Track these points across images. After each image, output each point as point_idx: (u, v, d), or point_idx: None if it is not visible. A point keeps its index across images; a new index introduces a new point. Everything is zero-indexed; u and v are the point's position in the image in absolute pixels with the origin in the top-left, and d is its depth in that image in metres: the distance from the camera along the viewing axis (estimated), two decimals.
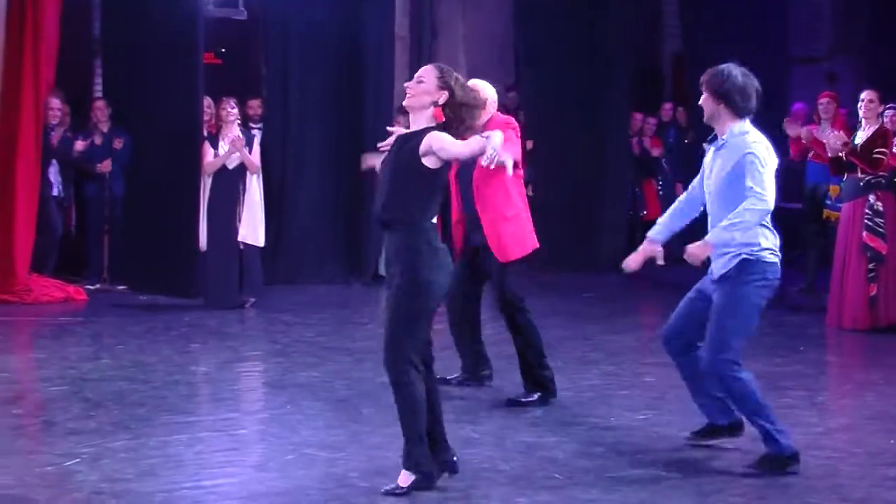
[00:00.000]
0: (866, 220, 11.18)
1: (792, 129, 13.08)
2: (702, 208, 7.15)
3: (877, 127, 11.29)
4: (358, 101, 14.56)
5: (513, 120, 8.70)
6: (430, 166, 6.01)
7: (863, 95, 11.54)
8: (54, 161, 13.56)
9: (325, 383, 8.82)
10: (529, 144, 15.52)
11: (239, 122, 12.54)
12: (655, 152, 16.49)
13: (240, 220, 12.33)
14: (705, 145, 7.10)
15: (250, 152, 12.33)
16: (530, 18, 16.02)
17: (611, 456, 6.96)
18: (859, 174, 11.23)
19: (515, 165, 7.47)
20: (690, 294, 7.11)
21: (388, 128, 6.72)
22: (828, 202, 13.12)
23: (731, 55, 15.85)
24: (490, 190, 8.24)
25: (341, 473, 6.55)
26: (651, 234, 7.25)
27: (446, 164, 6.13)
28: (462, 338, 8.80)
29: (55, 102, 13.56)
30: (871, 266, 11.17)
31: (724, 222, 6.61)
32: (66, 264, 14.12)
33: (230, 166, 12.27)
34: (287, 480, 6.48)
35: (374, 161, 7.08)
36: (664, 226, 7.25)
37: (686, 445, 7.01)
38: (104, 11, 14.83)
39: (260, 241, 12.44)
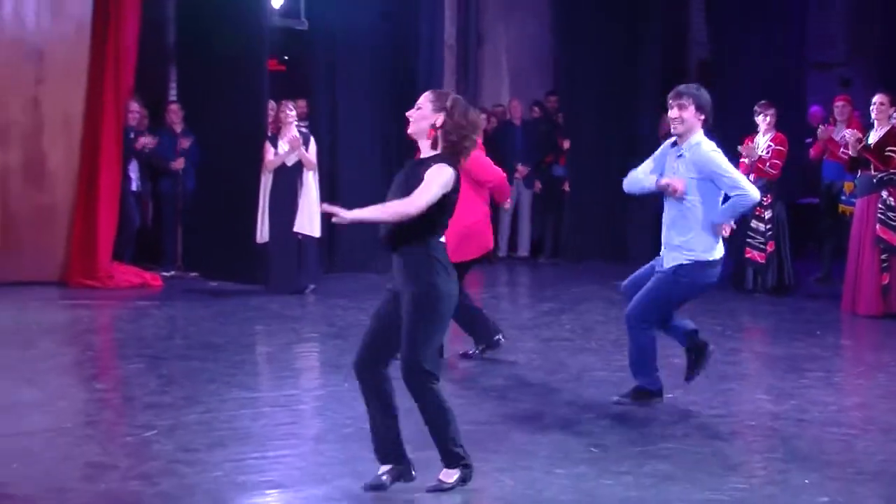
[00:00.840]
0: (879, 215, 11.13)
1: (822, 134, 12.94)
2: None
3: (889, 127, 11.25)
4: (410, 105, 14.52)
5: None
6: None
7: (875, 98, 11.48)
8: (133, 159, 13.65)
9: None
10: (566, 144, 15.54)
11: (297, 122, 12.58)
12: None
13: (301, 213, 12.35)
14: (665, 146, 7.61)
15: (307, 151, 12.36)
16: (568, 27, 15.97)
17: (642, 431, 6.94)
18: (872, 171, 11.18)
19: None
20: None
21: None
22: (843, 197, 13.06)
23: (753, 62, 15.95)
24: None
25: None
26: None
27: (454, 188, 5.81)
28: (460, 318, 8.63)
29: (134, 106, 13.64)
30: (883, 257, 11.13)
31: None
32: (143, 253, 14.20)
33: (289, 164, 12.29)
34: (345, 452, 6.48)
35: None
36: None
37: (711, 422, 6.97)
38: (178, 23, 14.92)
39: (316, 232, 12.44)
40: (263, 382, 8.50)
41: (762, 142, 12.37)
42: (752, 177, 12.46)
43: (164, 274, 13.53)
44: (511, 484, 5.89)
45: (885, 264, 11.11)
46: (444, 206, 5.77)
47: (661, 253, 7.53)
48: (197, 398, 7.63)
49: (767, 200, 12.36)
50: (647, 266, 7.76)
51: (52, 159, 12.99)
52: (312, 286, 12.44)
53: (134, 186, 13.80)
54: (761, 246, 12.46)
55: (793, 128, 13.11)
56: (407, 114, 6.08)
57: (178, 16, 14.92)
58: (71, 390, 8.09)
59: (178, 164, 13.70)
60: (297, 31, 15.64)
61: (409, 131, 6.03)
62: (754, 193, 7.38)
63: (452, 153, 5.84)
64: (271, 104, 12.92)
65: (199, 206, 13.72)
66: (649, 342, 7.45)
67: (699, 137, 7.38)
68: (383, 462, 5.76)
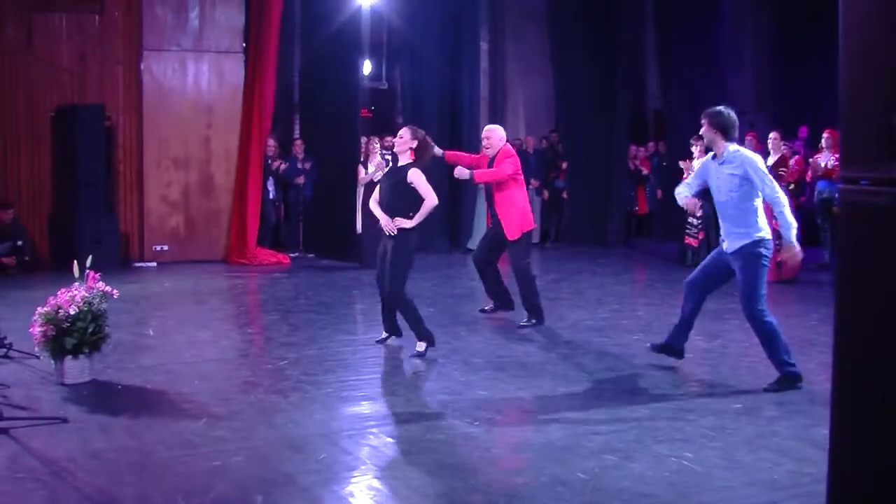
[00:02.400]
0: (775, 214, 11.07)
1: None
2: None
3: (780, 155, 11.29)
4: (457, 139, 14.57)
5: (511, 150, 8.52)
6: (414, 186, 6.89)
7: (770, 135, 11.61)
8: (270, 177, 13.74)
9: (437, 316, 8.82)
10: (564, 165, 15.50)
11: (380, 151, 12.61)
12: (645, 171, 16.29)
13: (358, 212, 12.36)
14: (706, 160, 6.60)
15: None
16: (565, 86, 15.90)
17: (617, 361, 6.94)
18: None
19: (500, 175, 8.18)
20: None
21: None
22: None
23: (691, 109, 15.80)
24: (500, 195, 8.27)
25: (447, 371, 6.60)
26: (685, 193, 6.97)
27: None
28: (489, 282, 8.63)
29: (271, 142, 13.72)
30: (777, 242, 10.66)
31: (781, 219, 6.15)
32: (277, 241, 14.30)
33: (375, 180, 12.32)
34: (414, 375, 6.52)
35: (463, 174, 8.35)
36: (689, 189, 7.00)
37: (659, 356, 6.94)
38: (301, 85, 14.99)
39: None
40: (359, 329, 8.55)
41: (697, 164, 12.30)
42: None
43: (291, 255, 13.57)
44: (527, 398, 5.92)
45: (779, 247, 10.94)
46: (416, 195, 6.90)
47: (723, 244, 6.54)
48: (314, 339, 7.71)
49: (700, 204, 12.29)
50: (707, 260, 6.77)
51: (217, 178, 13.11)
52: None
53: (271, 196, 13.88)
54: (695, 235, 12.44)
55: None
56: (395, 140, 7.08)
57: (300, 80, 14.99)
58: (231, 333, 8.18)
59: (300, 180, 13.76)
60: (380, 89, 15.70)
61: (395, 150, 7.09)
62: (783, 197, 6.26)
63: (421, 162, 6.99)
64: (363, 139, 12.97)
65: (314, 209, 13.76)
66: (770, 328, 6.20)
67: (733, 146, 6.35)
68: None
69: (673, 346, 6.77)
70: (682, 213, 12.95)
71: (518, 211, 8.27)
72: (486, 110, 16.30)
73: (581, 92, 15.76)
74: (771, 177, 6.23)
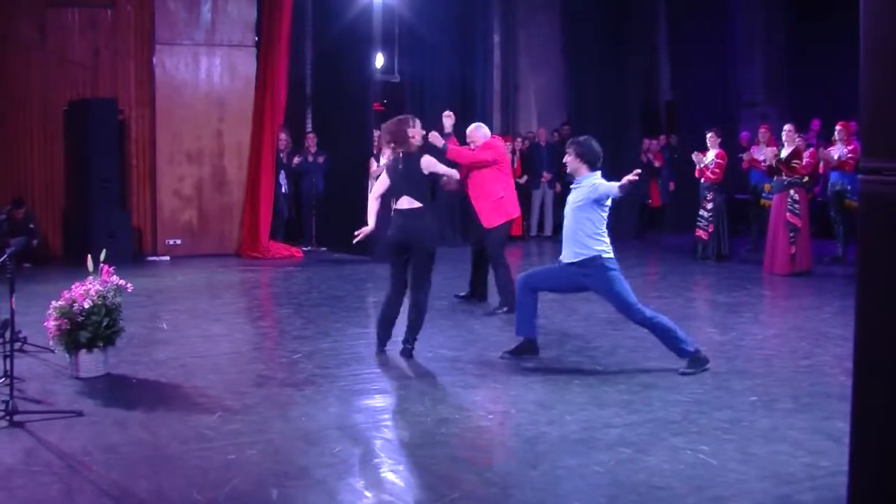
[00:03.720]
0: (788, 206, 11.08)
1: (755, 154, 12.95)
2: None
3: (794, 147, 11.19)
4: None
5: (495, 142, 8.69)
6: (432, 172, 6.82)
7: (785, 127, 11.45)
8: (283, 171, 13.75)
9: (448, 309, 8.83)
10: None
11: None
12: (657, 163, 16.19)
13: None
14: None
15: None
16: (576, 79, 15.86)
17: (631, 356, 6.90)
18: (784, 177, 11.10)
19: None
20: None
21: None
22: (763, 195, 12.92)
23: (704, 101, 15.73)
24: (473, 181, 8.44)
25: (461, 365, 6.58)
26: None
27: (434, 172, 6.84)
28: (474, 269, 8.91)
29: (283, 135, 13.72)
30: (791, 235, 11.05)
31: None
32: (290, 234, 14.30)
33: None
34: (427, 368, 6.51)
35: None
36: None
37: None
38: (313, 79, 14.95)
39: None
40: (372, 322, 8.50)
41: (710, 156, 12.29)
42: (702, 180, 12.41)
43: (304, 248, 13.59)
44: (542, 390, 5.89)
45: (793, 240, 11.04)
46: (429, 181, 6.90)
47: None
48: (328, 332, 7.70)
49: (710, 196, 12.32)
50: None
51: (230, 172, 13.12)
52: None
53: (284, 189, 13.89)
54: (705, 227, 12.41)
55: (728, 147, 12.99)
56: (412, 133, 6.84)
57: (312, 74, 14.96)
58: (244, 326, 8.18)
59: (296, 161, 13.73)
60: (392, 83, 15.65)
61: (417, 143, 6.85)
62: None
63: (419, 149, 6.90)
64: (375, 132, 12.93)
65: (327, 202, 13.75)
66: (658, 322, 6.30)
67: (592, 178, 6.38)
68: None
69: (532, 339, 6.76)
70: (694, 206, 12.93)
71: (493, 200, 8.37)
72: (499, 103, 16.26)
73: (593, 85, 15.73)
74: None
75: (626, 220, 15.47)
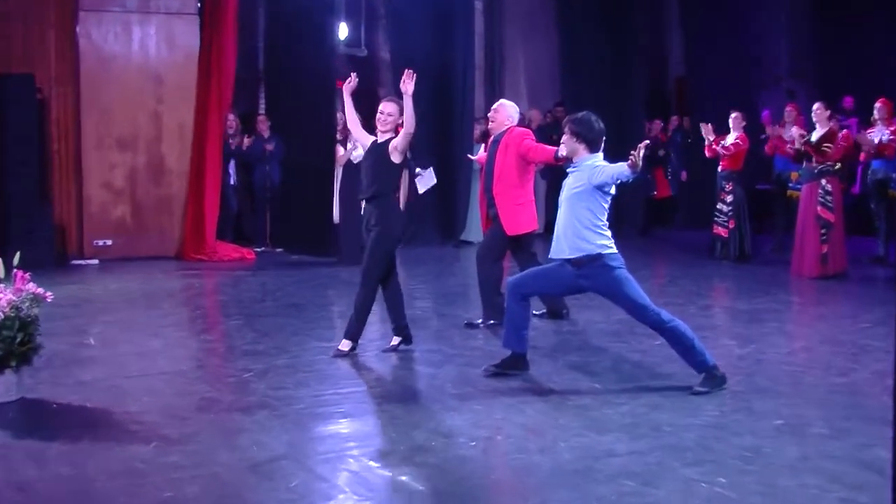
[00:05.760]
0: (819, 198, 11.10)
1: (771, 132, 13.03)
2: None
3: (827, 129, 11.19)
4: (448, 114, 14.52)
5: (529, 132, 8.71)
6: (396, 161, 7.25)
7: (815, 106, 11.44)
8: (231, 159, 13.70)
9: (426, 319, 8.82)
10: None
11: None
12: (660, 152, 16.20)
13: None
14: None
15: None
16: (571, 51, 15.89)
17: (635, 372, 6.89)
18: (814, 164, 11.13)
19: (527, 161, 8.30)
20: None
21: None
22: (790, 184, 12.95)
23: (720, 78, 15.81)
24: (508, 180, 8.30)
25: (439, 384, 6.56)
26: None
27: (404, 160, 7.41)
28: (486, 291, 8.48)
29: (231, 117, 13.67)
30: (823, 231, 11.07)
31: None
32: (240, 233, 14.25)
33: (355, 161, 12.24)
34: (400, 387, 6.51)
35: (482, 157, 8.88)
36: None
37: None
38: (266, 52, 14.92)
39: None
40: (336, 334, 8.44)
41: (730, 139, 12.35)
42: (719, 167, 12.46)
43: (257, 249, 13.54)
44: (532, 413, 5.87)
45: (825, 237, 11.07)
46: (399, 171, 7.40)
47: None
48: (284, 347, 7.65)
49: (729, 187, 12.36)
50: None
51: (169, 160, 13.05)
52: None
53: (232, 181, 13.86)
54: (724, 223, 12.46)
55: (751, 131, 13.02)
56: (378, 120, 7.36)
57: (265, 46, 14.93)
58: (186, 341, 8.13)
59: (246, 144, 13.75)
60: (358, 57, 15.61)
61: (380, 129, 7.34)
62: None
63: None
64: (340, 114, 12.89)
65: (283, 196, 13.73)
66: (675, 328, 6.31)
67: (594, 158, 6.43)
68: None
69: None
70: (710, 198, 12.96)
71: (521, 202, 8.34)
72: (482, 80, 16.26)
73: (592, 58, 15.73)
74: None
75: (629, 214, 15.51)
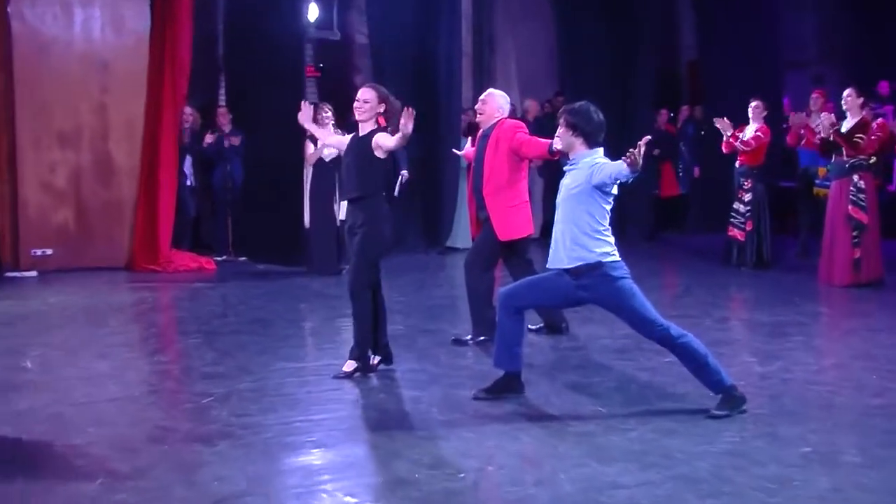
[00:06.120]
0: (850, 196, 11.12)
1: (793, 119, 13.02)
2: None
3: (859, 118, 11.21)
4: (432, 105, 14.51)
5: (522, 125, 8.69)
6: (380, 157, 7.25)
7: (845, 93, 11.44)
8: (188, 156, 13.68)
9: (409, 335, 8.80)
10: None
11: (333, 122, 12.50)
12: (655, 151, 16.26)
13: (337, 203, 12.34)
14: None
15: None
16: (570, 34, 15.91)
17: (644, 393, 6.89)
18: (845, 157, 11.14)
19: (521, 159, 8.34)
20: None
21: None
22: (817, 181, 13.00)
23: (736, 62, 15.86)
24: (500, 179, 8.30)
25: (424, 408, 6.55)
26: None
27: (390, 155, 7.45)
28: (476, 303, 8.47)
29: (188, 110, 13.66)
30: (854, 234, 11.09)
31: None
32: (198, 241, 14.23)
33: (327, 159, 12.26)
34: (380, 413, 6.49)
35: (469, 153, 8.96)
36: None
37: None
38: (226, 36, 14.91)
39: None
40: (307, 354, 8.49)
41: (749, 130, 12.37)
42: (736, 162, 12.49)
43: (217, 258, 13.53)
44: (528, 440, 5.86)
45: (857, 240, 11.09)
46: (384, 167, 7.41)
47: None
48: (248, 368, 7.63)
49: (748, 184, 12.39)
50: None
51: (117, 159, 13.04)
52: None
53: (189, 181, 13.85)
54: (741, 225, 12.49)
55: (771, 118, 13.03)
56: (355, 107, 7.33)
57: (225, 29, 14.92)
58: (138, 363, 8.09)
59: (207, 141, 13.74)
60: (330, 41, 15.63)
61: (358, 118, 7.33)
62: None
63: (391, 129, 7.31)
64: (309, 105, 12.83)
65: (247, 198, 13.71)
66: (687, 343, 6.31)
67: (594, 154, 6.46)
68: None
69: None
70: (726, 197, 12.98)
71: (516, 204, 8.34)
72: (470, 67, 16.30)
73: (592, 41, 15.77)
74: None
75: (635, 216, 15.53)
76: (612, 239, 6.37)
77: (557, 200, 6.45)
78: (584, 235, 6.25)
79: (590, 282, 6.28)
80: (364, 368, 7.32)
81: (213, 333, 9.00)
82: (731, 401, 6.27)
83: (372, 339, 7.44)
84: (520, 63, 16.80)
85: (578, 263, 6.27)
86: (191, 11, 12.97)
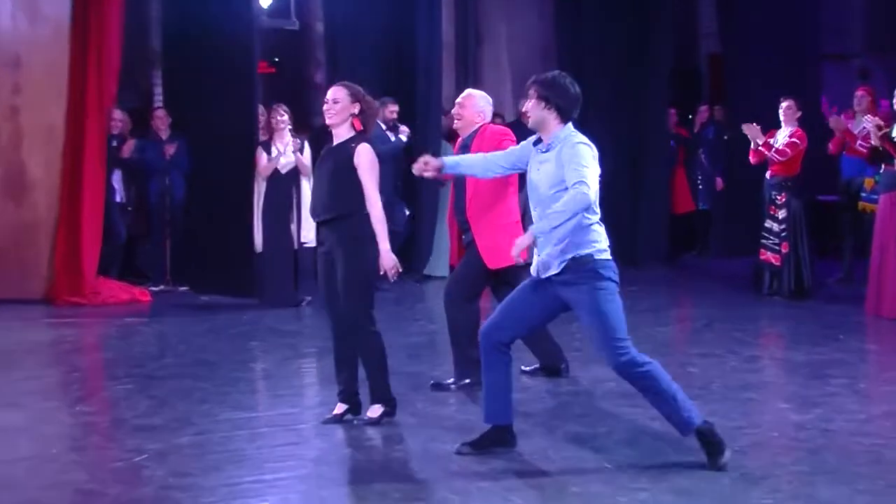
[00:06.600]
0: None
1: (834, 122, 13.00)
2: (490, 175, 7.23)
3: None
4: (407, 107, 14.53)
5: (509, 132, 8.62)
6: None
7: None
8: (117, 169, 13.65)
9: None
10: None
11: (290, 127, 12.52)
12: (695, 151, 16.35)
13: (295, 223, 12.33)
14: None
15: (302, 156, 12.35)
16: (571, 21, 15.96)
17: (657, 446, 6.88)
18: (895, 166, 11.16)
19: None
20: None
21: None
22: (863, 194, 13.01)
23: (766, 54, 15.92)
24: (485, 196, 8.27)
25: (399, 466, 6.54)
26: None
27: None
28: (459, 341, 8.47)
29: (117, 114, 13.64)
30: None
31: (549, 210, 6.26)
32: (130, 268, 14.19)
33: (283, 171, 12.27)
34: (346, 472, 6.48)
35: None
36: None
37: (732, 434, 6.88)
38: (163, 25, 14.89)
39: (312, 240, 12.41)
40: (260, 401, 8.46)
41: (782, 135, 12.36)
42: (767, 173, 12.50)
43: (153, 289, 13.52)
44: (522, 503, 5.85)
45: None
46: None
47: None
48: (189, 420, 7.59)
49: (782, 199, 12.36)
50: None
51: (32, 171, 12.98)
52: (308, 298, 12.40)
53: (118, 197, 13.80)
54: (775, 247, 12.47)
55: (807, 120, 12.99)
56: (324, 109, 7.32)
57: (162, 17, 14.91)
58: (56, 414, 8.05)
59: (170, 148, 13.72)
60: (287, 31, 15.65)
61: (329, 122, 7.31)
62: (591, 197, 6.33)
63: (367, 133, 7.35)
64: (260, 109, 12.88)
65: (189, 217, 13.68)
66: (652, 372, 6.34)
67: (566, 131, 6.46)
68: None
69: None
70: (755, 214, 12.99)
71: (504, 225, 8.29)
72: (453, 62, 16.33)
73: (597, 31, 15.83)
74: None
75: (646, 236, 15.52)
76: (602, 229, 6.40)
77: (532, 201, 6.47)
78: (578, 232, 6.26)
79: (572, 276, 6.27)
80: (391, 411, 7.37)
81: (147, 378, 8.97)
82: (713, 444, 6.28)
83: (341, 383, 7.47)
84: (512, 55, 16.85)
85: (567, 259, 6.28)
86: None
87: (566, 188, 6.24)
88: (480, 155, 7.28)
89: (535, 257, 6.46)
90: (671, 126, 16.28)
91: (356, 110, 7.30)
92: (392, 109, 13.34)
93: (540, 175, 6.43)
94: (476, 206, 8.28)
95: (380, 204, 7.23)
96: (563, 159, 6.29)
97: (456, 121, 8.66)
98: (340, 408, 7.47)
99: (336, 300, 7.31)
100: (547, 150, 6.42)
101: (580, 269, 6.25)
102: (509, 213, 8.39)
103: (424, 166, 6.94)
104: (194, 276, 13.50)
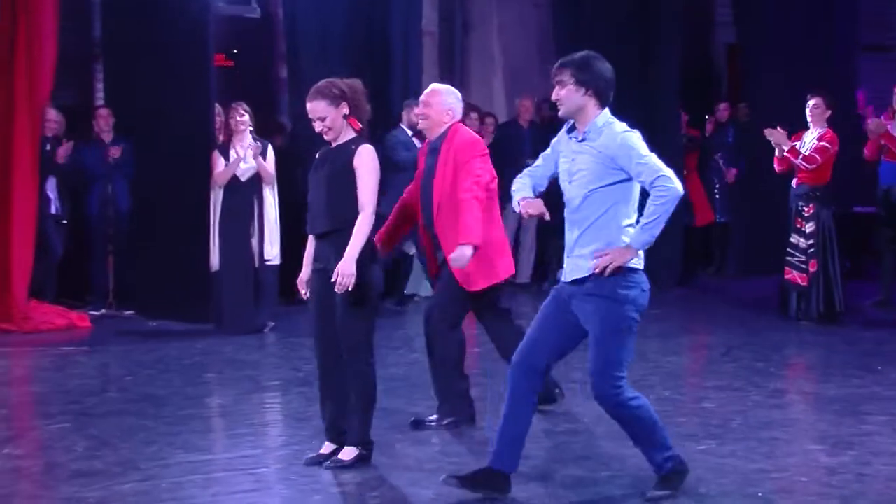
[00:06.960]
0: None
1: (871, 124, 13.01)
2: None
3: None
4: (384, 101, 14.51)
5: (480, 142, 8.58)
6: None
7: None
8: (51, 177, 13.59)
9: None
10: None
11: (251, 129, 12.48)
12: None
13: (256, 237, 12.31)
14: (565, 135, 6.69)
15: (265, 161, 12.31)
16: (571, 7, 15.99)
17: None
18: None
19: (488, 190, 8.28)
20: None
21: None
22: None
23: (789, 44, 15.96)
24: (454, 212, 8.16)
25: None
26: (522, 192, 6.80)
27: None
28: (443, 372, 8.46)
29: (52, 113, 13.59)
30: None
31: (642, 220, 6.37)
32: (67, 289, 14.14)
33: (242, 178, 12.26)
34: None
35: None
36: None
37: (754, 478, 6.89)
38: (105, 11, 14.85)
39: (276, 258, 12.41)
40: (215, 442, 8.44)
41: (809, 138, 12.35)
42: (793, 181, 12.50)
43: (94, 313, 13.52)
44: None
45: None
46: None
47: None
48: (134, 463, 7.57)
49: (809, 210, 12.34)
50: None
51: None
52: (272, 324, 12.40)
53: (53, 209, 13.73)
54: (802, 265, 12.44)
55: (838, 120, 12.95)
56: (316, 129, 7.32)
57: (104, 3, 14.88)
58: None
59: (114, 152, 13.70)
60: (247, 19, 15.65)
61: (328, 138, 7.31)
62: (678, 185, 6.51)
63: (361, 122, 7.35)
64: (217, 108, 12.87)
65: (135, 231, 13.68)
66: (639, 411, 6.53)
67: (604, 117, 6.57)
68: None
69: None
70: (780, 228, 13.01)
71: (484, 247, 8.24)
72: (435, 56, 16.35)
73: (601, 19, 15.86)
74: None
75: (660, 251, 15.49)
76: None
77: (569, 197, 6.45)
78: (617, 230, 6.36)
79: (595, 286, 6.29)
80: (367, 455, 7.33)
81: (86, 416, 8.95)
82: (666, 481, 6.48)
83: (328, 419, 7.49)
84: (504, 46, 16.88)
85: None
86: None
87: (606, 185, 6.32)
88: (528, 173, 6.91)
89: (566, 262, 6.47)
90: (686, 128, 16.29)
91: (346, 111, 7.25)
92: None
93: (574, 166, 6.43)
94: (445, 219, 8.19)
95: (371, 210, 7.12)
96: (610, 153, 6.34)
97: (421, 121, 8.58)
98: (328, 447, 7.44)
99: (329, 325, 7.25)
100: (583, 140, 6.44)
101: (604, 280, 6.23)
102: (488, 225, 8.28)
103: (534, 213, 6.66)
104: (141, 298, 13.52)
